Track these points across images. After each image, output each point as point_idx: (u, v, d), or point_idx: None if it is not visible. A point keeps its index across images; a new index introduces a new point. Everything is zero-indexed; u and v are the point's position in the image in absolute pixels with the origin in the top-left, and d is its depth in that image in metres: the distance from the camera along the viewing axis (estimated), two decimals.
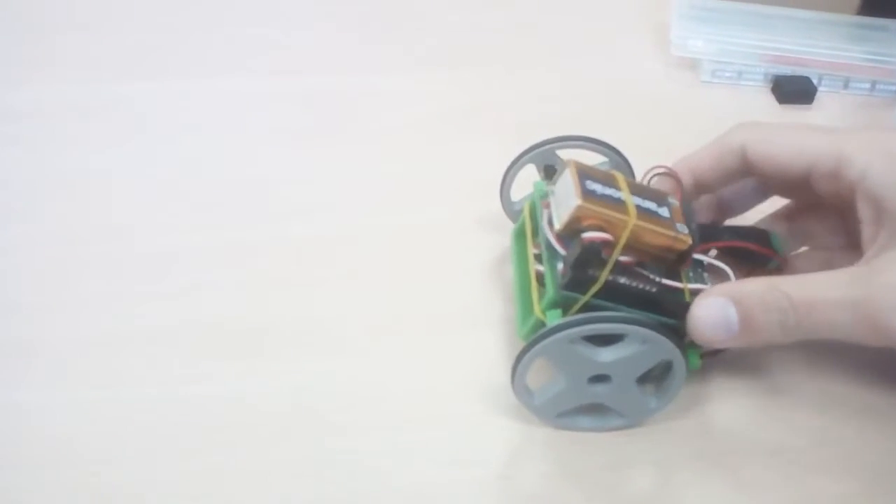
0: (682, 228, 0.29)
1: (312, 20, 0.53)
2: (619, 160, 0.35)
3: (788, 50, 0.49)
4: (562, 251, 0.29)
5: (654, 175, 0.33)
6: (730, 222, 0.35)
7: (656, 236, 0.28)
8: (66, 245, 0.37)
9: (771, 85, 0.50)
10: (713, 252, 0.32)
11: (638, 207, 0.28)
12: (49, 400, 0.30)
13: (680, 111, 0.47)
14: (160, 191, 0.40)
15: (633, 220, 0.28)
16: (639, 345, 0.28)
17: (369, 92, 0.47)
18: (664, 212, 0.29)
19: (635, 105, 0.47)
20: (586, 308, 0.28)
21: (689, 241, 0.29)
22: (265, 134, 0.44)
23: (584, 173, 0.29)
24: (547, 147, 0.34)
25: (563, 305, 0.29)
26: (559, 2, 0.55)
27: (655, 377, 0.30)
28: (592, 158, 0.34)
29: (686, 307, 0.29)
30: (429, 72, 0.49)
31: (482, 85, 0.48)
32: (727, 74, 0.50)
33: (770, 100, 0.49)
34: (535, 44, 0.52)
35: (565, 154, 0.34)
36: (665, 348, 0.27)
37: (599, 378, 0.28)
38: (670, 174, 0.33)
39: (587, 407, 0.30)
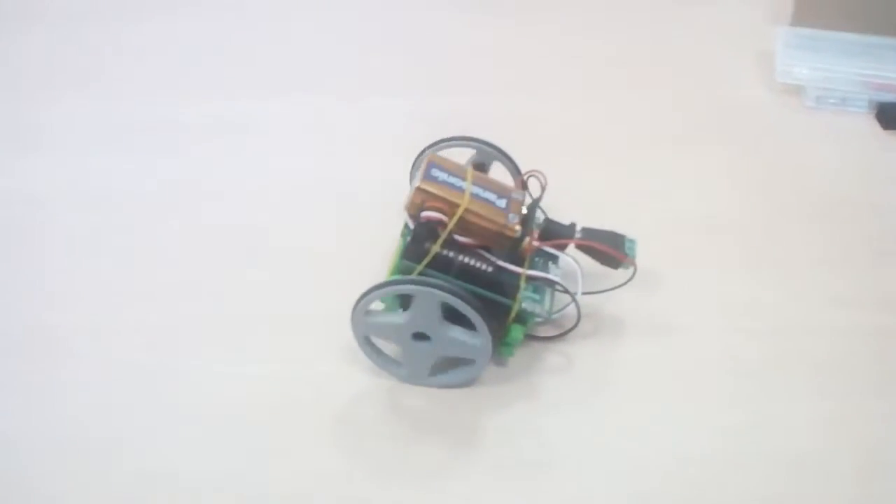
0: (513, 219, 0.33)
1: (453, 46, 0.57)
2: (503, 157, 0.39)
3: (892, 77, 0.51)
4: (411, 227, 0.34)
5: (529, 175, 0.38)
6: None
7: (487, 221, 0.33)
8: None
9: (875, 111, 0.51)
10: (570, 248, 0.37)
11: (475, 195, 0.33)
12: None
13: (784, 134, 0.49)
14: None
15: (465, 203, 0.32)
16: (418, 299, 0.31)
17: (509, 110, 0.50)
18: (501, 203, 0.33)
19: (741, 126, 0.50)
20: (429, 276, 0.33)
21: (517, 230, 0.33)
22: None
23: (435, 164, 0.34)
24: (436, 147, 0.39)
25: (406, 273, 0.33)
26: (667, 28, 0.58)
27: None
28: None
29: (517, 289, 0.33)
30: (545, 89, 0.53)
31: (594, 104, 0.51)
32: (831, 101, 0.51)
33: (874, 125, 0.50)
34: (645, 66, 0.55)
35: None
36: (435, 295, 0.31)
37: (419, 336, 0.33)
38: (536, 176, 0.37)
39: (451, 362, 0.34)
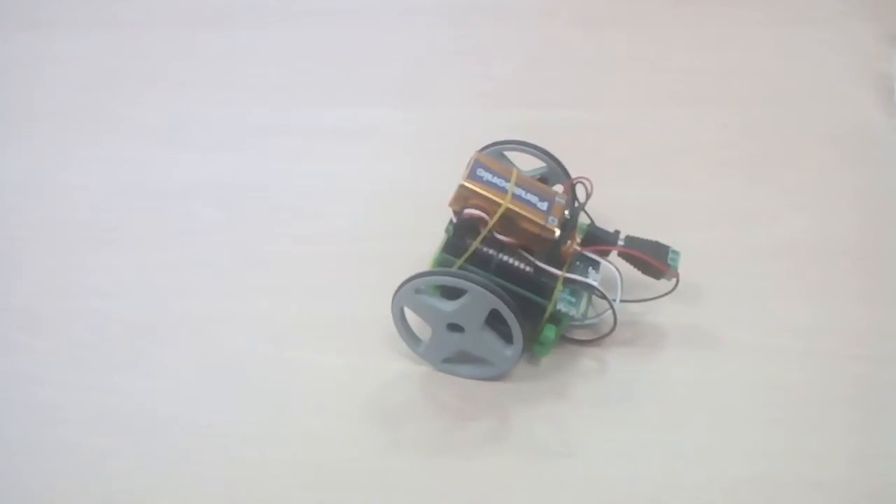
0: (553, 221, 0.34)
1: (555, 62, 0.56)
2: (555, 165, 0.40)
3: None
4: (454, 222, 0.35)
5: (577, 181, 0.38)
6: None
7: (527, 222, 0.34)
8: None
9: None
10: (612, 255, 0.37)
11: (517, 196, 0.34)
12: None
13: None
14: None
15: (506, 203, 0.33)
16: (471, 297, 0.33)
17: (601, 125, 0.51)
18: (543, 206, 0.34)
19: (858, 150, 0.48)
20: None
21: (555, 232, 0.34)
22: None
23: (481, 164, 0.35)
24: (494, 148, 0.40)
25: (445, 266, 0.35)
26: (781, 49, 0.57)
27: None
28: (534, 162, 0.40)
29: (553, 290, 0.34)
30: (655, 108, 0.52)
31: (707, 124, 0.51)
32: None
33: None
34: (760, 88, 0.54)
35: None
36: (489, 299, 0.32)
37: (455, 327, 0.34)
38: (583, 182, 0.38)
39: (467, 357, 0.36)
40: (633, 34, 0.58)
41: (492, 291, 0.32)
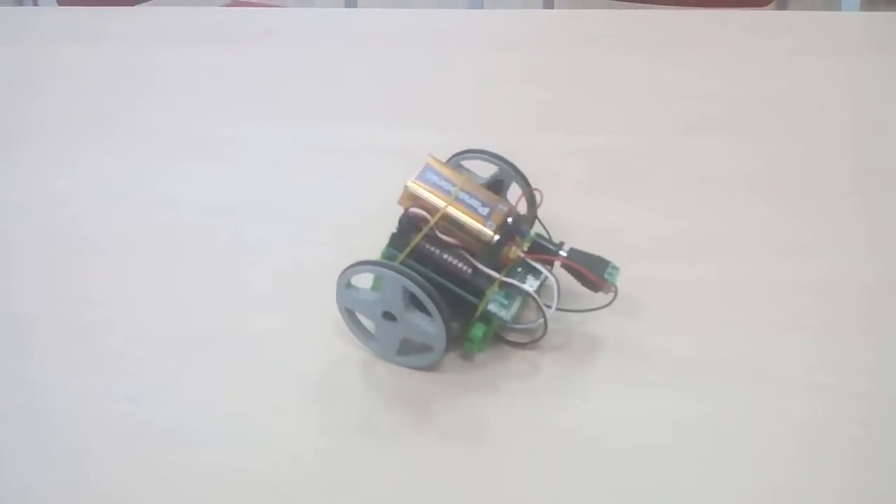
0: (490, 226, 0.36)
1: (598, 87, 0.59)
2: (515, 174, 0.42)
3: None
4: None
5: (532, 192, 0.41)
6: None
7: (464, 225, 0.36)
8: None
9: None
10: (556, 265, 0.39)
11: (460, 200, 0.36)
12: None
13: None
14: None
15: (448, 205, 0.36)
16: (387, 282, 0.35)
17: (641, 152, 0.52)
18: (484, 211, 0.37)
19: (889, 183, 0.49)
20: (410, 268, 0.37)
21: (490, 236, 0.36)
22: (564, 182, 0.50)
23: (431, 167, 0.38)
24: (454, 158, 0.43)
25: (391, 260, 0.37)
26: (818, 80, 0.58)
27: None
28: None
29: (482, 293, 0.36)
30: (688, 136, 0.54)
31: (742, 151, 0.52)
32: None
33: None
34: (795, 118, 0.54)
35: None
36: (400, 281, 0.34)
37: (388, 315, 0.36)
38: (537, 193, 0.40)
39: (417, 347, 0.38)
40: (673, 60, 0.60)
41: (401, 273, 0.34)
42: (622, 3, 1.38)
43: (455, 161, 0.43)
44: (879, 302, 0.41)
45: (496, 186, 0.42)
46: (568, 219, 0.46)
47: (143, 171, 0.54)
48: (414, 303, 0.36)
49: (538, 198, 0.40)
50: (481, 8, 1.27)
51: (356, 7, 1.56)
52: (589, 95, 0.58)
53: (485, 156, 0.42)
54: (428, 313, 0.36)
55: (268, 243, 0.47)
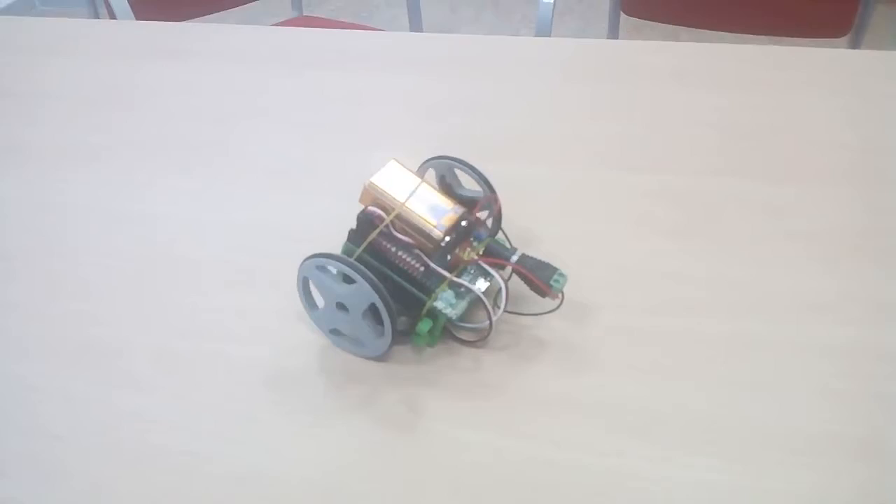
0: (440, 228, 0.38)
1: (669, 127, 0.58)
2: (482, 182, 0.44)
3: None
4: None
5: (490, 200, 0.43)
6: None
7: (415, 225, 0.39)
8: None
9: None
10: (507, 269, 0.41)
11: (415, 202, 0.39)
12: None
13: None
14: None
15: (401, 205, 0.38)
16: (358, 287, 0.38)
17: (730, 195, 0.51)
18: (437, 213, 0.39)
19: None
20: (365, 262, 0.39)
21: (440, 237, 0.38)
22: (638, 225, 0.49)
23: (394, 170, 0.40)
24: (427, 163, 0.45)
25: (348, 253, 0.40)
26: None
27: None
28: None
29: (432, 291, 0.39)
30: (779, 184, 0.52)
31: (842, 202, 0.50)
32: None
33: None
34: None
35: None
36: (370, 294, 0.37)
37: (342, 307, 0.39)
38: (494, 201, 0.42)
39: (350, 335, 0.41)
40: (760, 100, 0.60)
41: (374, 288, 0.37)
42: (690, 30, 1.38)
43: (426, 166, 0.46)
44: None
45: (471, 202, 0.45)
46: (627, 263, 0.46)
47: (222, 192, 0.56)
48: (372, 313, 0.39)
49: (495, 207, 0.42)
50: (549, 35, 1.29)
51: (422, 31, 1.61)
52: (655, 130, 0.58)
53: (451, 162, 0.44)
54: (379, 322, 0.39)
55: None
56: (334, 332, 0.41)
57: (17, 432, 0.39)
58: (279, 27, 0.77)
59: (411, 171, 0.41)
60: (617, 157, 0.55)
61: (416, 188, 0.40)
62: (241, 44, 0.74)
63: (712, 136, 0.57)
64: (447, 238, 0.39)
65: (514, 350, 0.41)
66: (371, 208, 0.40)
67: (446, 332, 0.42)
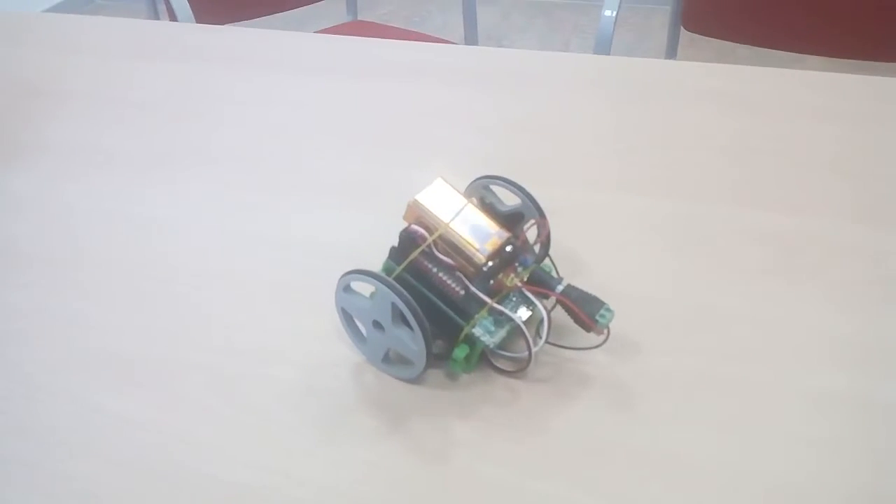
0: (484, 251, 0.37)
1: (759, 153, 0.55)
2: (530, 204, 0.42)
3: None
4: None
5: (537, 224, 0.41)
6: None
7: (458, 248, 0.37)
8: None
9: None
10: (552, 299, 0.39)
11: (460, 223, 0.37)
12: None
13: None
14: None
15: (445, 225, 0.37)
16: (379, 294, 0.36)
17: (813, 236, 0.48)
18: (481, 236, 0.37)
19: None
20: (404, 281, 0.38)
21: (482, 262, 0.36)
22: (701, 261, 0.46)
23: (440, 188, 0.39)
24: (474, 183, 0.43)
25: (389, 272, 0.39)
26: None
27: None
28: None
29: (471, 316, 0.37)
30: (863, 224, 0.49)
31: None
32: None
33: None
34: None
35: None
36: (389, 295, 0.36)
37: (377, 325, 0.38)
38: (543, 226, 0.40)
39: (401, 359, 0.40)
40: (844, 132, 0.56)
41: (391, 288, 0.36)
42: (747, 46, 1.34)
43: (477, 185, 0.44)
44: None
45: (514, 217, 0.43)
46: (686, 300, 0.43)
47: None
48: (401, 317, 0.37)
49: (543, 232, 0.40)
50: (608, 52, 1.26)
51: (476, 39, 1.59)
52: (728, 159, 0.55)
53: (502, 182, 0.43)
54: (412, 329, 0.37)
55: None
56: (386, 361, 0.40)
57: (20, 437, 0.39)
58: (333, 35, 0.76)
59: (458, 190, 0.40)
60: (682, 186, 0.52)
61: (462, 209, 0.38)
62: (293, 51, 0.74)
63: (789, 168, 0.53)
64: (490, 263, 0.37)
65: (553, 384, 0.39)
66: (414, 227, 0.38)
67: (484, 358, 0.40)
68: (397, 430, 0.37)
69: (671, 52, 1.49)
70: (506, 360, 0.40)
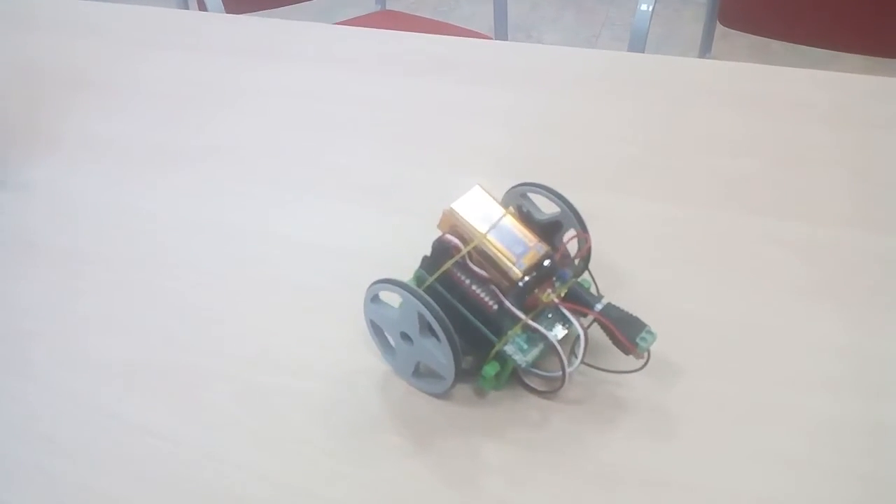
0: (520, 265, 0.35)
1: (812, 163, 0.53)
2: (572, 216, 0.40)
3: None
4: None
5: (578, 237, 0.39)
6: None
7: (493, 260, 0.35)
8: None
9: None
10: (589, 318, 0.37)
11: (494, 234, 0.35)
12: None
13: None
14: None
15: (481, 237, 0.35)
16: (405, 303, 0.35)
17: (862, 250, 0.45)
18: (518, 249, 0.35)
19: None
20: (435, 293, 0.36)
21: (518, 276, 0.35)
22: (755, 279, 0.44)
23: (478, 196, 0.37)
24: (513, 190, 0.42)
25: (420, 281, 0.37)
26: None
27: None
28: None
29: (503, 332, 0.35)
30: None
31: None
32: None
33: None
34: None
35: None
36: (414, 304, 0.34)
37: (405, 336, 0.36)
38: (582, 239, 0.38)
39: (431, 372, 0.38)
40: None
41: (418, 298, 0.34)
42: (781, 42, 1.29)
43: (515, 193, 0.42)
44: None
45: (553, 227, 0.41)
46: (736, 321, 0.41)
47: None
48: (430, 329, 0.35)
49: (584, 247, 0.38)
50: (643, 50, 1.19)
51: (506, 31, 1.53)
52: (784, 169, 0.51)
53: (544, 191, 0.41)
54: (440, 341, 0.35)
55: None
56: (416, 375, 0.38)
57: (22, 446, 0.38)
58: (362, 28, 0.74)
59: (495, 199, 0.38)
60: (736, 197, 0.50)
61: (499, 220, 0.36)
62: (320, 42, 0.71)
63: (847, 179, 0.50)
64: (526, 278, 0.35)
65: (587, 407, 0.37)
66: (448, 236, 0.36)
67: (515, 376, 0.38)
68: (424, 448, 0.36)
69: (706, 48, 1.45)
70: (538, 379, 0.38)
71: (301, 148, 0.57)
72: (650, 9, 1.27)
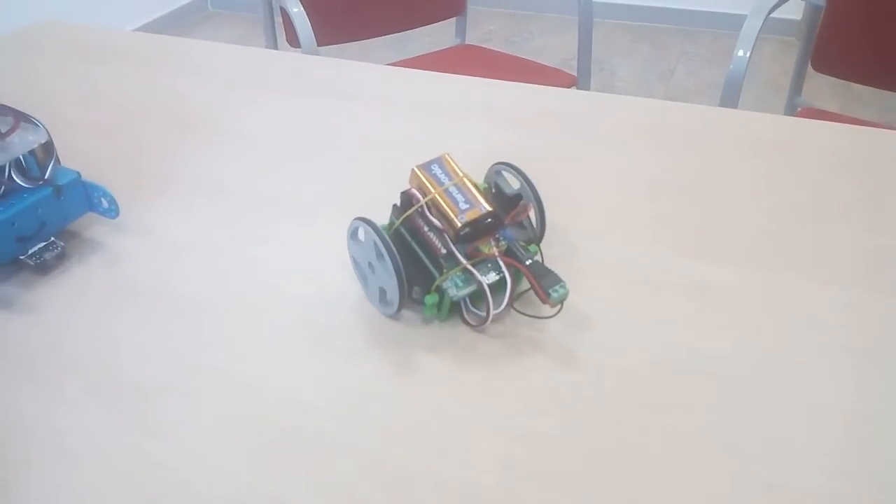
0: (462, 218, 0.44)
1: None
2: (528, 188, 0.49)
3: None
4: None
5: (524, 205, 0.48)
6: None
7: (442, 211, 0.44)
8: None
9: None
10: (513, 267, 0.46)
11: (448, 192, 0.44)
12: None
13: None
14: None
15: (435, 192, 0.44)
16: (367, 238, 0.44)
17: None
18: (464, 206, 0.45)
19: None
20: (399, 235, 0.46)
21: (459, 226, 0.43)
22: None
23: (441, 161, 0.46)
24: (493, 167, 0.51)
25: (391, 226, 0.47)
26: None
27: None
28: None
29: (449, 269, 0.44)
30: None
31: None
32: None
33: None
34: None
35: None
36: (372, 236, 0.44)
37: (370, 266, 0.46)
38: (524, 208, 0.47)
39: (386, 299, 0.47)
40: None
41: (373, 229, 0.44)
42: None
43: (493, 171, 0.51)
44: None
45: (515, 199, 0.50)
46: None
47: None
48: (384, 256, 0.45)
49: (527, 212, 0.47)
50: (735, 104, 1.19)
51: (589, 71, 1.54)
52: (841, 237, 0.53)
53: (511, 169, 0.50)
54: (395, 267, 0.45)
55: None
56: (381, 302, 0.47)
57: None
58: (446, 75, 0.78)
59: (458, 166, 0.47)
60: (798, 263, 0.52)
61: (453, 181, 0.46)
62: (402, 88, 0.76)
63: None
64: (466, 229, 0.45)
65: (507, 341, 0.46)
66: (413, 190, 0.46)
67: (459, 310, 0.47)
68: (376, 354, 0.45)
69: (796, 90, 1.46)
70: (474, 316, 0.47)
71: (378, 197, 0.56)
72: (747, 55, 1.20)
